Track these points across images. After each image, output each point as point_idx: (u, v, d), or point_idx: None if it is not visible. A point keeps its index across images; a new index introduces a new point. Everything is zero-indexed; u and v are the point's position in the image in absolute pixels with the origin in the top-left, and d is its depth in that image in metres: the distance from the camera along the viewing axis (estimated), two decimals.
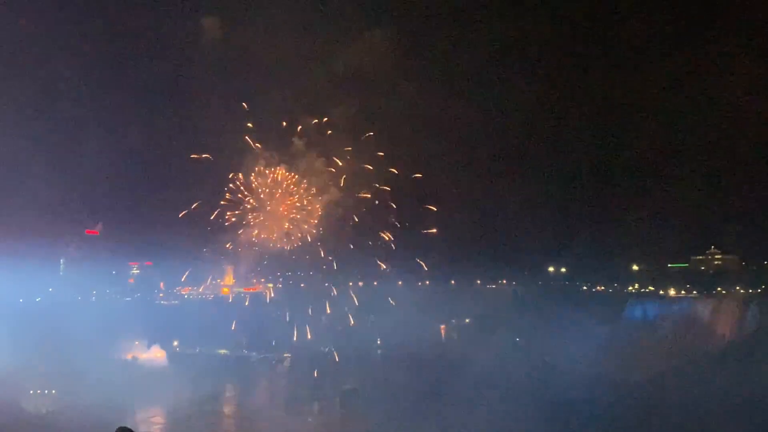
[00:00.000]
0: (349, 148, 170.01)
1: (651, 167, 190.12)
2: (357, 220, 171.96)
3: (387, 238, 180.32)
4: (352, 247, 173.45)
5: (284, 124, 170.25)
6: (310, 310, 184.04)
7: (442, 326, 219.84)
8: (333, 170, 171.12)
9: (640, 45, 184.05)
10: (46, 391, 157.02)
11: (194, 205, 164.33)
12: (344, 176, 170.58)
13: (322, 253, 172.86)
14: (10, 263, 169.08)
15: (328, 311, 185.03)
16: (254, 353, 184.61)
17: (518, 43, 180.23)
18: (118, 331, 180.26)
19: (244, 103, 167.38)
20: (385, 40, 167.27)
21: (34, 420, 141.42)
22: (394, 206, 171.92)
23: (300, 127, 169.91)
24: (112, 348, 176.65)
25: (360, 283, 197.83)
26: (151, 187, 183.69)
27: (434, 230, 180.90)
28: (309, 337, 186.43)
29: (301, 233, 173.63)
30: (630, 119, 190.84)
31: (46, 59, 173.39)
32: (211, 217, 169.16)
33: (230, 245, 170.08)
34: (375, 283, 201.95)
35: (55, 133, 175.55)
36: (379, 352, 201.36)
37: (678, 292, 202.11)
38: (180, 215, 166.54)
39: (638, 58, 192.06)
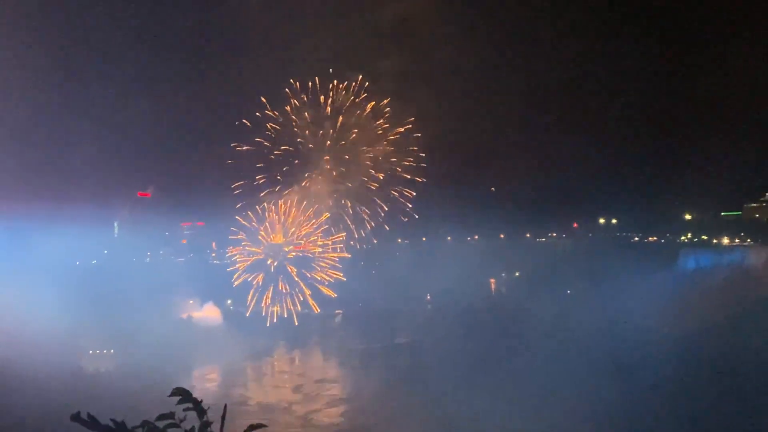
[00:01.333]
0: (398, 104, 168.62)
1: (702, 114, 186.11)
2: (420, 179, 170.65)
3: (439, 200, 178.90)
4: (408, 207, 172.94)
5: (330, 70, 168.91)
6: (360, 267, 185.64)
7: (492, 280, 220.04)
8: (383, 123, 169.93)
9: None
10: (105, 351, 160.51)
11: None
12: (394, 131, 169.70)
13: (379, 201, 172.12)
14: (67, 227, 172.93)
15: (377, 268, 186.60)
16: (305, 310, 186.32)
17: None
18: (173, 291, 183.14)
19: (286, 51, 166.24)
20: None
21: (93, 379, 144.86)
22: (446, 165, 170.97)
23: (344, 83, 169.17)
24: (167, 308, 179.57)
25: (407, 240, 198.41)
26: (201, 149, 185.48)
27: (492, 189, 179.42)
28: (360, 292, 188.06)
29: (350, 190, 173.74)
30: (683, 66, 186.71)
31: (94, 32, 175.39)
32: (260, 181, 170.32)
33: (273, 202, 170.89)
34: (423, 239, 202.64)
35: (106, 100, 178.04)
36: (429, 307, 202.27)
37: (732, 240, 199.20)
38: (234, 185, 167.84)
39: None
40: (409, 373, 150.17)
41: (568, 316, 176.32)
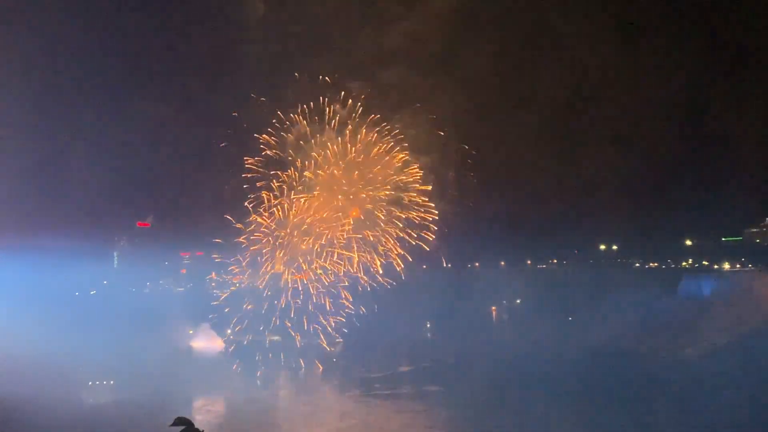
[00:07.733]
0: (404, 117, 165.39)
1: (702, 139, 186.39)
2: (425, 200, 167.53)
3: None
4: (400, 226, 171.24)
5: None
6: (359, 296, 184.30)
7: (493, 308, 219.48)
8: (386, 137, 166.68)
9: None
10: (105, 382, 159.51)
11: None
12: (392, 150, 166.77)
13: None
14: (66, 258, 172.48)
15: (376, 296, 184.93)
16: (306, 339, 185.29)
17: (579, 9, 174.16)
18: (173, 321, 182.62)
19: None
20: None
21: (94, 411, 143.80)
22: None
23: (343, 93, 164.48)
24: (168, 338, 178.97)
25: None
26: (199, 177, 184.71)
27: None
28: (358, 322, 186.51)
29: (349, 217, 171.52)
30: (683, 88, 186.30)
31: (86, 56, 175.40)
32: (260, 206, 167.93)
33: (277, 230, 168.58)
34: (424, 267, 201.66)
35: (102, 130, 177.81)
36: (429, 335, 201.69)
37: (733, 265, 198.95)
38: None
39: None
40: (409, 400, 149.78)
41: (568, 346, 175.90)
